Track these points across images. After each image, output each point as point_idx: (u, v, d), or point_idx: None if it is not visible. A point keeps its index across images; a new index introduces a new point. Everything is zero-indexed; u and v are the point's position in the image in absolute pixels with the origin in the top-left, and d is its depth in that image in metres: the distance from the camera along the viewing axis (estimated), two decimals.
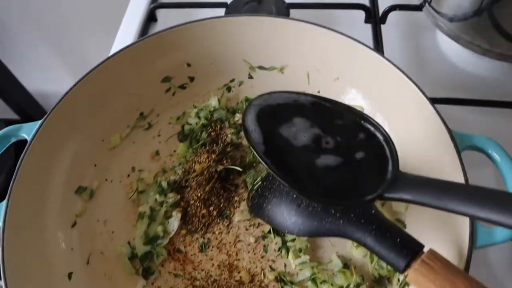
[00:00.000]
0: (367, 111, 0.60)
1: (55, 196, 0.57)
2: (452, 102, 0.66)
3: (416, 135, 0.54)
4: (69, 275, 0.53)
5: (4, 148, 0.56)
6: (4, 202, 0.50)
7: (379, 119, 0.58)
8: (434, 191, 0.38)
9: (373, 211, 0.46)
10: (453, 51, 0.76)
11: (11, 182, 0.52)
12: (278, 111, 0.47)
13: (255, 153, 0.43)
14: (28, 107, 1.58)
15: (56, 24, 1.38)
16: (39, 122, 0.56)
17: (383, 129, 0.44)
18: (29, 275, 0.49)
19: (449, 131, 0.50)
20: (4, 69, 1.45)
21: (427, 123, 0.52)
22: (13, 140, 0.56)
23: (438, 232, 0.48)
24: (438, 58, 0.77)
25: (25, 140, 0.55)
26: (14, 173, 0.52)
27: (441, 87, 0.70)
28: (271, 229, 0.55)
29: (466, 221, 0.44)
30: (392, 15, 0.77)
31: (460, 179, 0.47)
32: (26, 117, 1.55)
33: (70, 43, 1.44)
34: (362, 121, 0.45)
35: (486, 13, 0.65)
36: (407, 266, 0.41)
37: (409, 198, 0.39)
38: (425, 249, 0.42)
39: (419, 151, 0.53)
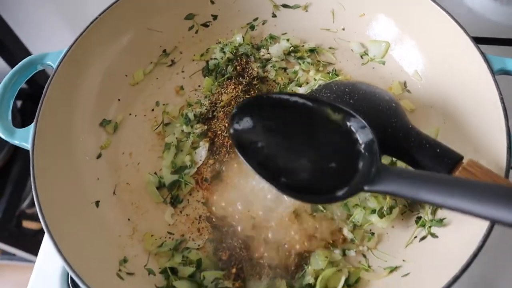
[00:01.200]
0: (397, 37, 0.60)
1: (80, 126, 0.56)
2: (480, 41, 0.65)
3: (449, 60, 0.54)
4: (97, 203, 0.53)
5: (30, 76, 0.55)
6: (32, 125, 0.50)
7: (409, 43, 0.59)
8: (412, 184, 0.37)
9: (410, 126, 0.45)
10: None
11: (39, 107, 0.51)
12: (265, 112, 0.47)
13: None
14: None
15: None
16: (64, 50, 0.55)
17: (369, 128, 0.43)
18: (59, 201, 0.49)
19: (483, 54, 0.49)
20: (10, 32, 1.43)
21: (459, 48, 0.52)
22: (39, 68, 0.55)
23: (459, 144, 0.48)
24: (456, 3, 0.76)
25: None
26: (41, 98, 0.51)
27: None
28: None
29: (499, 135, 0.44)
30: None
31: (496, 100, 0.47)
32: (29, 80, 1.53)
33: (75, 5, 1.41)
34: (348, 120, 0.44)
35: None
36: (449, 174, 0.41)
37: (389, 190, 0.39)
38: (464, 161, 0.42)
39: (452, 75, 0.53)
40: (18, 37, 1.53)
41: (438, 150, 0.42)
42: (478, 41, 0.66)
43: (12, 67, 1.51)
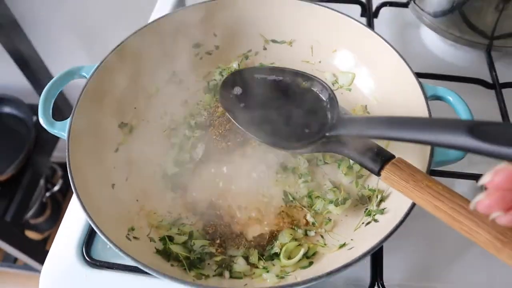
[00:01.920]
0: (359, 69, 0.76)
1: (104, 125, 0.70)
2: (426, 76, 0.81)
3: (396, 87, 0.69)
4: (112, 186, 0.66)
5: (67, 83, 0.70)
6: (68, 119, 0.64)
7: (367, 74, 0.75)
8: (362, 124, 0.56)
9: None
10: (432, 42, 0.92)
11: (74, 106, 0.65)
12: (249, 81, 0.68)
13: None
14: None
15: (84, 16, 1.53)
16: (96, 65, 0.70)
17: (329, 87, 0.63)
18: (85, 179, 0.62)
19: (419, 83, 0.64)
20: (36, 55, 1.60)
21: (402, 77, 0.66)
22: (76, 77, 0.70)
23: (402, 152, 0.62)
24: (420, 46, 0.93)
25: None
26: (77, 100, 0.66)
27: (420, 69, 0.85)
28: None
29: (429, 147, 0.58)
30: (383, 10, 0.93)
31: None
32: None
33: (95, 34, 1.57)
34: (311, 81, 0.64)
35: (458, 10, 0.81)
36: (381, 168, 0.55)
37: (345, 133, 0.57)
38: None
39: (398, 99, 0.68)
40: (41, 58, 1.69)
41: (375, 150, 0.56)
42: (431, 76, 0.82)
43: (32, 83, 1.67)
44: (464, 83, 0.81)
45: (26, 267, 1.83)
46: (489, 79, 0.81)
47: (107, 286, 0.64)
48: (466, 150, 0.44)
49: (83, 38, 1.64)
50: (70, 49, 1.67)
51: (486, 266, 0.66)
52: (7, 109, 1.76)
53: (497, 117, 0.75)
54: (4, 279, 2.00)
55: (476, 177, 0.71)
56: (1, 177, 1.60)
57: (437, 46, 0.93)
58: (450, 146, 0.45)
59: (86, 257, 0.67)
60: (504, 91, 0.79)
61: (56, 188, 2.03)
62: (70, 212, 0.73)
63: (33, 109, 1.75)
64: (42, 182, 1.89)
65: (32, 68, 1.63)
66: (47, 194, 1.93)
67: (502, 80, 0.81)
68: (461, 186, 0.73)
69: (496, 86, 0.80)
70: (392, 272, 0.64)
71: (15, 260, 1.85)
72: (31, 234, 2.00)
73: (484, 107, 0.79)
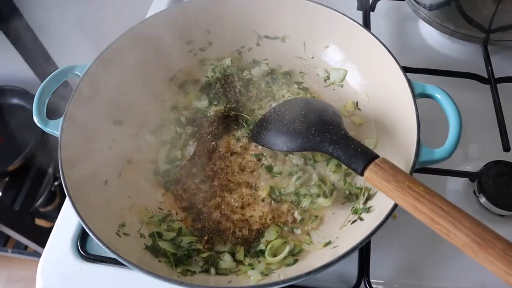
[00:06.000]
0: (351, 66, 0.76)
1: (97, 123, 0.71)
2: (420, 71, 0.80)
3: (386, 84, 0.68)
4: (105, 182, 0.68)
5: (61, 82, 0.71)
6: (61, 118, 0.65)
7: (358, 71, 0.75)
8: None
9: (342, 132, 0.60)
10: (429, 35, 0.91)
11: (67, 105, 0.67)
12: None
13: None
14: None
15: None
16: (88, 64, 0.71)
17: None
18: (77, 176, 0.63)
19: (408, 80, 0.63)
20: (41, 47, 1.63)
21: (392, 75, 0.66)
22: (69, 76, 0.72)
23: (391, 150, 0.62)
24: (417, 40, 0.91)
25: None
26: (69, 98, 0.67)
27: (416, 62, 0.84)
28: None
29: (413, 143, 0.58)
30: (380, 4, 0.92)
31: (413, 116, 0.61)
32: None
33: (101, 28, 1.59)
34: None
35: (454, 3, 0.80)
36: (365, 168, 0.55)
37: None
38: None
39: (388, 97, 0.68)
40: (48, 52, 1.71)
41: (359, 149, 0.57)
42: (426, 72, 0.81)
43: (38, 76, 1.70)
44: (460, 78, 0.80)
45: (36, 254, 1.89)
46: (485, 74, 0.80)
47: (100, 279, 0.66)
48: None
49: (88, 31, 1.65)
50: (76, 42, 1.68)
51: (475, 264, 0.66)
52: (15, 100, 1.79)
53: (491, 112, 0.74)
54: (15, 265, 2.07)
55: (469, 175, 0.71)
56: (10, 167, 1.64)
57: (434, 40, 0.91)
58: None
59: (81, 251, 0.69)
60: (499, 86, 0.78)
61: None
62: (67, 207, 0.75)
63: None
64: (50, 171, 1.93)
65: (38, 61, 1.65)
66: (56, 183, 1.97)
67: (498, 74, 0.79)
68: (454, 183, 0.73)
69: (491, 81, 0.79)
70: (380, 270, 0.65)
71: (26, 247, 1.90)
72: (41, 222, 2.05)
73: (478, 102, 0.79)
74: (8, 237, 1.87)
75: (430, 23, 0.85)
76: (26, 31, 1.54)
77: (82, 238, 0.70)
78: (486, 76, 0.80)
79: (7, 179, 1.71)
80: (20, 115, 1.80)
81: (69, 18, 1.59)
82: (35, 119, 0.67)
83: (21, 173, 1.71)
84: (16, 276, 2.08)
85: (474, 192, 0.70)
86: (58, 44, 1.68)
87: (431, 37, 0.92)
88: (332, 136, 0.60)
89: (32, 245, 1.74)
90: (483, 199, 0.68)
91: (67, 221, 0.73)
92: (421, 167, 0.59)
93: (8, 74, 1.79)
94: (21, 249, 1.91)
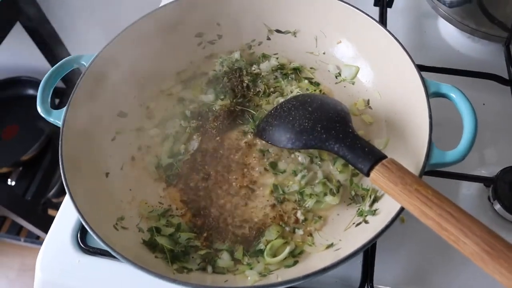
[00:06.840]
0: (364, 63, 0.73)
1: (101, 114, 0.70)
2: (437, 70, 0.76)
3: (395, 81, 0.65)
4: (107, 174, 0.67)
5: (67, 71, 0.70)
6: (64, 108, 0.65)
7: (371, 69, 0.72)
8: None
9: (349, 130, 0.57)
10: (448, 33, 0.87)
11: (71, 95, 0.66)
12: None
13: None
14: (74, 78, 1.76)
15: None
16: (95, 54, 0.70)
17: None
18: (78, 168, 0.62)
19: (422, 79, 0.60)
20: (56, 36, 1.64)
21: (406, 72, 0.63)
22: (75, 66, 0.71)
23: (401, 151, 0.59)
24: (436, 38, 0.88)
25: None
26: (74, 88, 0.67)
27: (434, 61, 0.81)
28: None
29: (425, 144, 0.55)
30: (397, 0, 0.89)
31: (426, 116, 0.58)
32: (71, 85, 1.73)
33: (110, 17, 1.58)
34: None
35: (475, 0, 0.76)
36: (371, 168, 0.53)
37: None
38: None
39: (401, 95, 0.65)
40: (64, 44, 1.73)
41: (366, 149, 0.54)
42: (443, 71, 0.77)
43: (52, 65, 1.72)
44: (479, 78, 0.76)
45: None
46: (505, 75, 0.76)
47: (98, 272, 0.65)
48: None
49: (104, 23, 1.66)
50: (92, 34, 1.70)
51: (485, 275, 0.63)
52: (31, 91, 1.81)
53: (510, 115, 0.71)
54: (27, 254, 2.10)
55: (484, 180, 0.67)
56: (24, 157, 1.66)
57: (454, 39, 0.88)
58: None
59: (81, 243, 0.68)
60: None
61: None
62: (68, 199, 0.74)
63: (55, 91, 1.80)
64: None
65: (54, 52, 1.66)
66: None
67: None
68: (468, 188, 0.69)
69: None
70: (385, 275, 0.62)
71: (38, 237, 1.93)
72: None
73: (497, 104, 0.75)
74: (21, 227, 1.89)
75: (449, 21, 0.81)
76: (43, 22, 1.55)
77: (82, 231, 0.69)
78: (507, 77, 0.76)
79: (20, 168, 1.73)
80: (35, 105, 1.82)
81: (85, 10, 1.60)
82: (39, 109, 0.66)
83: (34, 163, 1.73)
84: (28, 265, 2.10)
85: (489, 198, 0.67)
86: (74, 36, 1.69)
87: (451, 35, 0.88)
88: (339, 134, 0.57)
89: (44, 235, 1.76)
90: (497, 206, 0.64)
91: (68, 213, 0.73)
92: (432, 170, 0.56)
93: (24, 65, 1.81)
94: (33, 238, 1.93)
